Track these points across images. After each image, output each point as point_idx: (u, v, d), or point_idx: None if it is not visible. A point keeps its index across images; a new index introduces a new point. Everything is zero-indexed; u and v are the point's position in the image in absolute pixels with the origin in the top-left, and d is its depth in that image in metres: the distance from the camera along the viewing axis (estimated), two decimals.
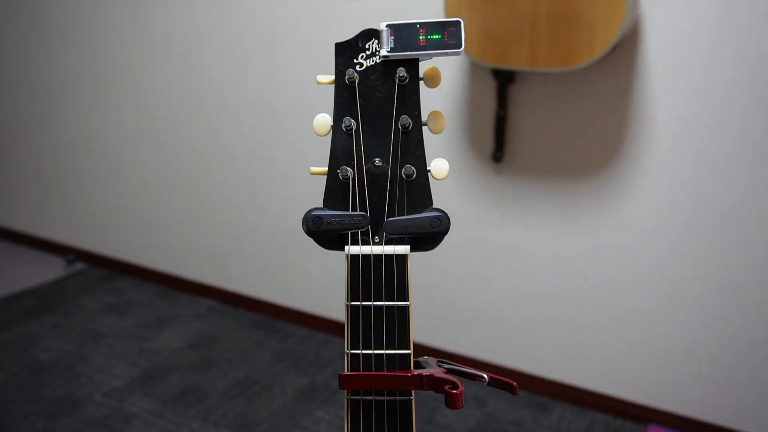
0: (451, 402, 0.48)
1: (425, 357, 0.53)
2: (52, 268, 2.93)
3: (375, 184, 0.51)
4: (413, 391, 0.51)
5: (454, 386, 0.48)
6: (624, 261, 1.82)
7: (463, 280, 2.08)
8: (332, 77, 0.51)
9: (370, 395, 0.51)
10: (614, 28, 1.48)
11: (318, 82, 0.51)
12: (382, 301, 0.51)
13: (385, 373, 0.50)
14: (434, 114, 0.51)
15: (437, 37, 0.48)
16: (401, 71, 0.50)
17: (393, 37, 0.49)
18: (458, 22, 0.48)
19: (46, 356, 2.21)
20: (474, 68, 1.87)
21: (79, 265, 2.96)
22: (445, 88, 1.94)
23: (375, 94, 0.50)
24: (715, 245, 1.69)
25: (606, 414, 1.93)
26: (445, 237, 0.51)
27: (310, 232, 0.51)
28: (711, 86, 1.61)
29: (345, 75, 0.50)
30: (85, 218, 2.94)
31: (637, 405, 1.89)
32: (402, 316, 0.51)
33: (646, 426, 1.87)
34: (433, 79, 0.50)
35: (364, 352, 0.51)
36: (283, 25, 2.17)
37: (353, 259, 0.51)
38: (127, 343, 2.31)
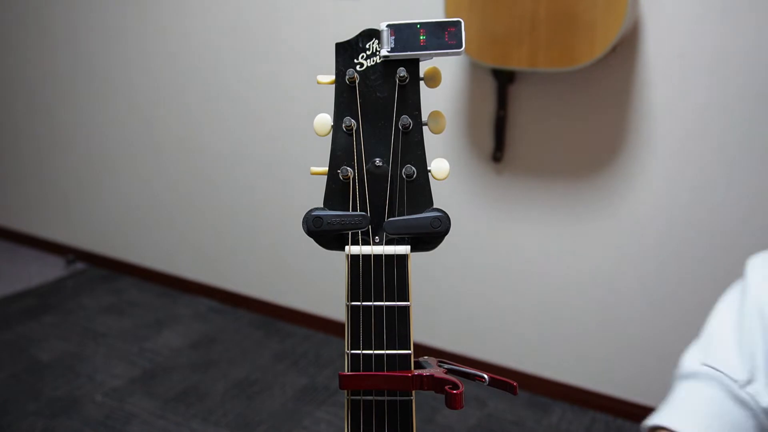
0: (452, 402, 0.48)
1: (425, 357, 0.53)
2: (52, 268, 2.93)
3: (375, 184, 0.51)
4: (413, 391, 0.51)
5: (455, 386, 0.48)
6: (624, 261, 1.82)
7: (463, 280, 2.08)
8: (332, 77, 0.50)
9: (370, 395, 0.51)
10: (614, 28, 1.48)
11: (318, 82, 0.51)
12: (382, 301, 0.51)
13: (386, 373, 0.50)
14: (434, 114, 0.51)
15: (437, 37, 0.48)
16: (401, 71, 0.49)
17: (393, 37, 0.49)
18: (458, 22, 0.48)
19: (46, 356, 2.21)
20: (474, 68, 1.87)
21: (79, 265, 2.96)
22: (445, 88, 1.94)
23: (375, 94, 0.50)
24: (715, 245, 1.69)
25: (606, 414, 1.93)
26: (446, 237, 0.51)
27: (310, 232, 0.51)
28: (711, 86, 1.61)
29: (345, 75, 0.50)
30: (85, 218, 2.94)
31: (637, 405, 1.89)
32: (402, 316, 0.51)
33: None
34: (433, 79, 0.50)
35: (364, 352, 0.51)
36: (283, 25, 2.17)
37: (353, 259, 0.51)
38: (127, 343, 2.31)
